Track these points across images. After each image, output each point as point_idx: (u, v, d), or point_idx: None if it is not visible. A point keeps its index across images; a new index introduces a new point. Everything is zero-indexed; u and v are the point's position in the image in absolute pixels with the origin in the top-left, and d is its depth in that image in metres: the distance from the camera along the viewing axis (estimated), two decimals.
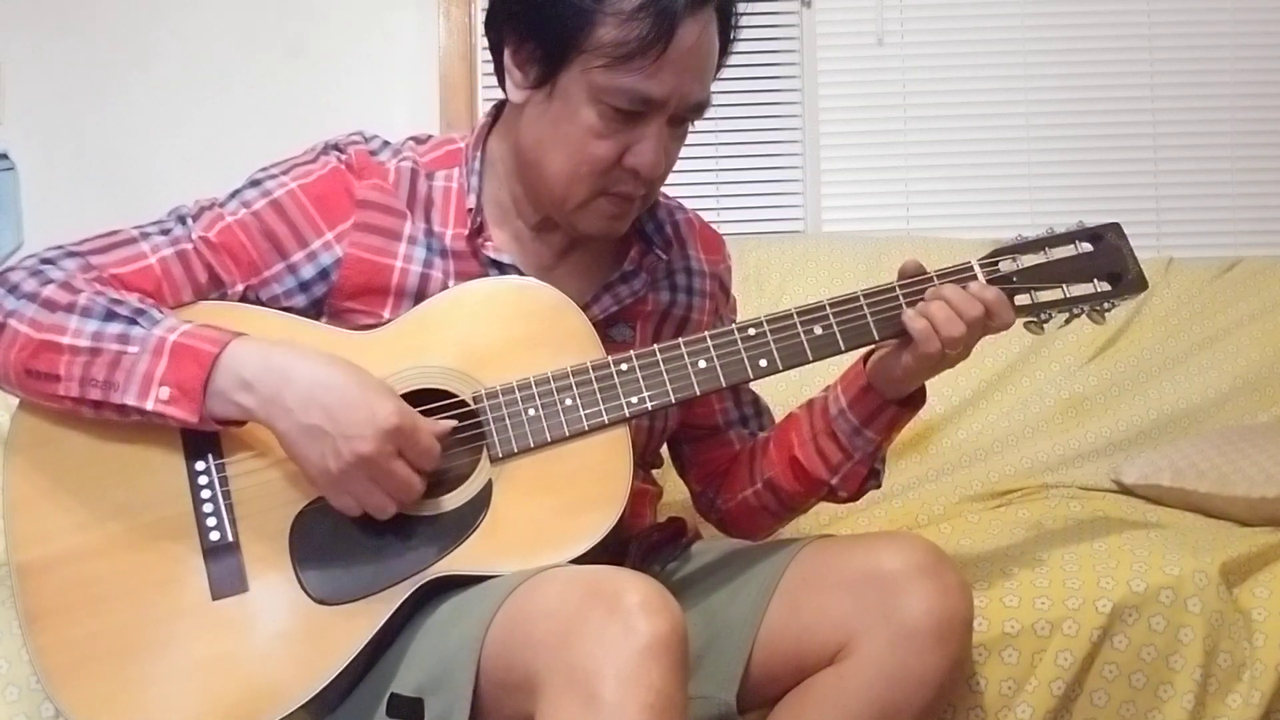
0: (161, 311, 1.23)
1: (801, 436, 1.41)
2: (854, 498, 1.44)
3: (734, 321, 1.51)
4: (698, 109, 1.29)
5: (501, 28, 1.29)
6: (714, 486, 1.52)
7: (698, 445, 1.53)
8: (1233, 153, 2.68)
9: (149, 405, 1.17)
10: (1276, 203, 2.67)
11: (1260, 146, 2.67)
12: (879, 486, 1.46)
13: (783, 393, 1.60)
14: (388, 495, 1.19)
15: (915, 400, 1.37)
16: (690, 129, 1.33)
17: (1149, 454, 2.03)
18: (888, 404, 1.35)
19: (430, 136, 1.42)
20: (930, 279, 1.30)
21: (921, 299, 1.28)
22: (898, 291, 1.29)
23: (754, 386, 1.52)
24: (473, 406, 1.25)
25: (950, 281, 1.29)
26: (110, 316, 1.20)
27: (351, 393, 1.17)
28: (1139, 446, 2.09)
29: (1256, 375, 2.16)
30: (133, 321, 1.20)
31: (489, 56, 1.34)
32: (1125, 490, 2.02)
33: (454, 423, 1.23)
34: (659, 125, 1.26)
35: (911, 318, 1.26)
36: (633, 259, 1.39)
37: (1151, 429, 2.13)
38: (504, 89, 1.32)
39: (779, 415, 1.56)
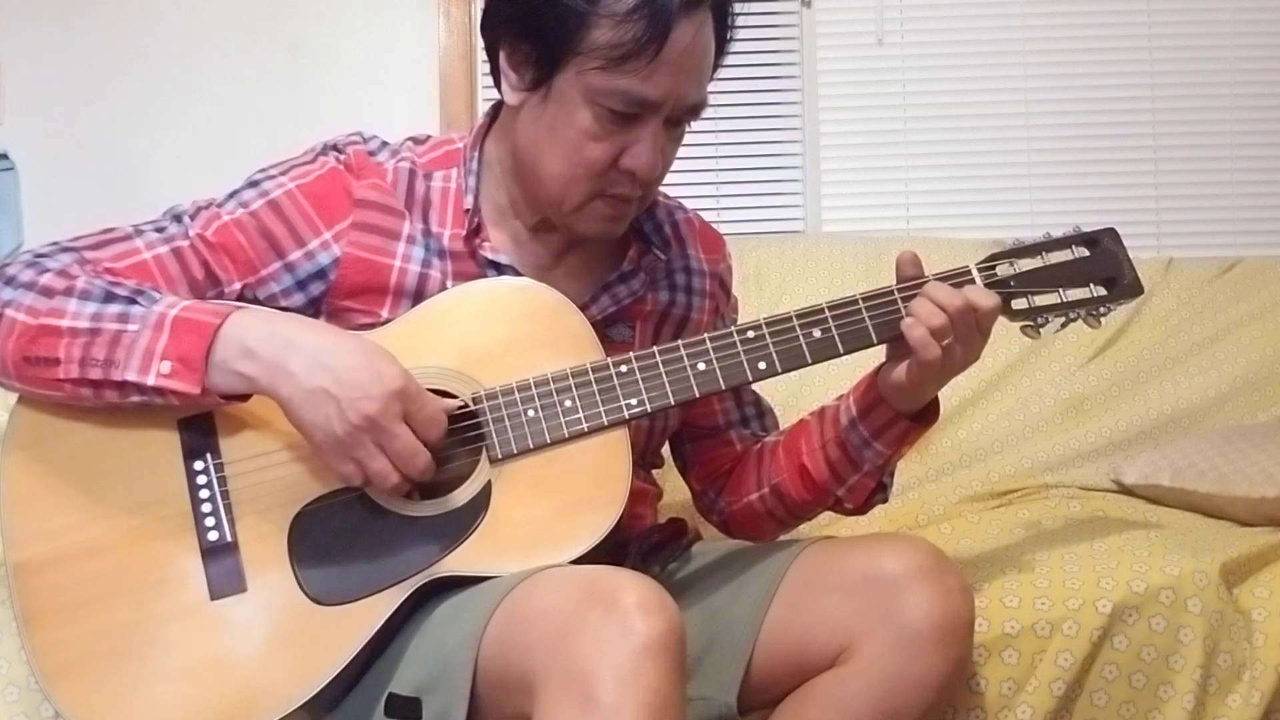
0: (160, 291, 1.23)
1: (811, 445, 1.41)
2: (860, 510, 1.43)
3: (735, 321, 1.52)
4: (694, 110, 1.29)
5: (497, 30, 1.29)
6: (716, 487, 1.52)
7: (699, 445, 1.52)
8: (1233, 153, 2.68)
9: (150, 380, 1.16)
10: (1276, 203, 2.67)
11: (1260, 146, 2.67)
12: (885, 500, 1.44)
13: (783, 393, 1.60)
14: (391, 462, 1.18)
15: (927, 415, 1.36)
16: (690, 129, 1.33)
17: (1149, 454, 2.02)
18: (899, 417, 1.34)
19: (429, 137, 1.42)
20: (927, 282, 1.30)
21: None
22: (895, 295, 1.29)
23: (755, 387, 1.52)
24: (472, 407, 1.25)
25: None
26: (109, 298, 1.20)
27: (356, 357, 1.17)
28: (1139, 446, 2.09)
29: (1256, 375, 2.16)
30: (132, 301, 1.20)
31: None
32: (1125, 490, 2.02)
33: (457, 402, 1.23)
34: (655, 127, 1.26)
35: (910, 326, 1.26)
36: (631, 259, 1.39)
37: (1151, 429, 2.13)
38: (500, 91, 1.32)
39: (779, 416, 1.56)
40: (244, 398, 1.20)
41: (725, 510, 1.50)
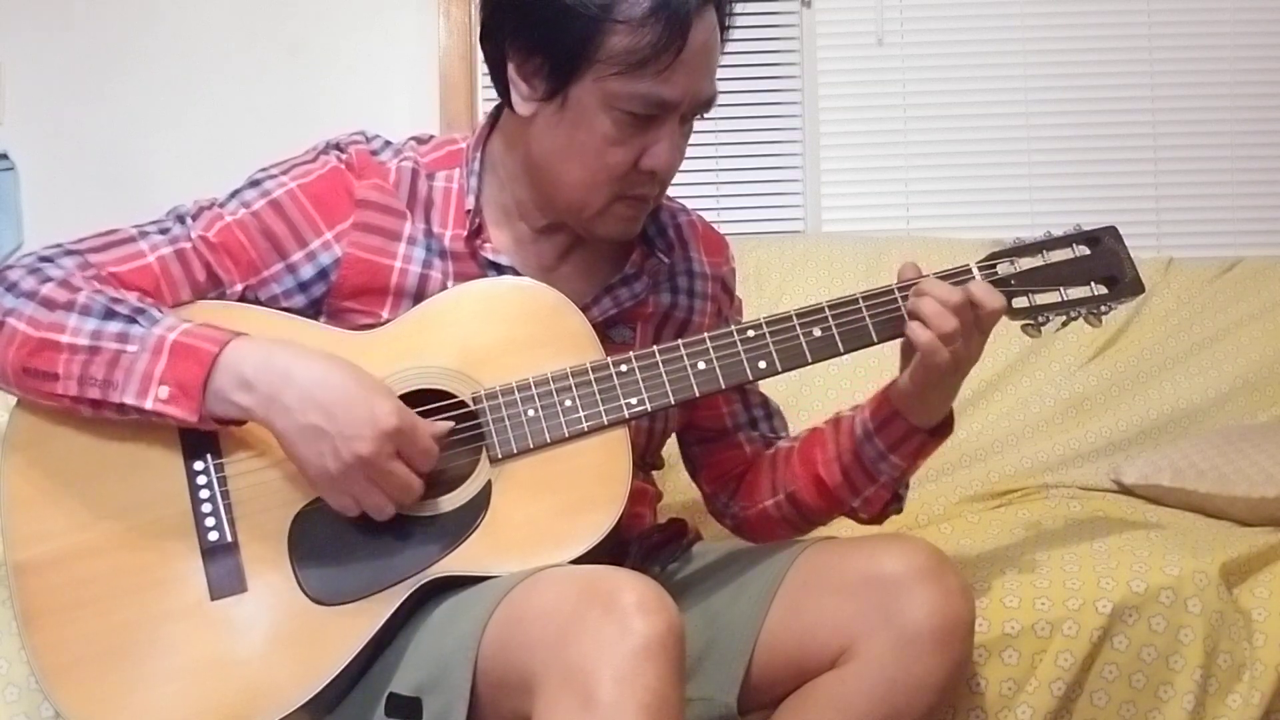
0: (161, 310, 1.23)
1: (826, 455, 1.40)
2: (875, 520, 1.43)
3: (738, 323, 1.51)
4: (708, 104, 1.29)
5: (503, 42, 1.28)
6: (728, 491, 1.51)
7: (708, 448, 1.52)
8: (1233, 153, 2.67)
9: (148, 404, 1.17)
10: (1276, 203, 2.67)
11: (1260, 146, 2.67)
12: (900, 511, 1.44)
13: (783, 393, 1.60)
14: (386, 496, 1.19)
15: (943, 429, 1.35)
16: (690, 128, 1.33)
17: (1149, 454, 2.03)
18: (915, 431, 1.33)
19: (432, 137, 1.41)
20: (926, 278, 1.29)
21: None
22: (896, 294, 1.29)
23: (759, 388, 1.51)
24: (472, 407, 1.25)
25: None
26: (109, 315, 1.20)
27: (351, 393, 1.17)
28: (1139, 446, 2.09)
29: (1256, 375, 2.16)
30: (132, 320, 1.20)
31: None
32: (1125, 490, 2.02)
33: (452, 424, 1.23)
34: (672, 125, 1.26)
35: (916, 330, 1.25)
36: (634, 261, 1.39)
37: (1151, 429, 2.13)
38: (507, 101, 1.31)
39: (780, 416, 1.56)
40: (240, 422, 1.21)
41: (740, 515, 1.50)
